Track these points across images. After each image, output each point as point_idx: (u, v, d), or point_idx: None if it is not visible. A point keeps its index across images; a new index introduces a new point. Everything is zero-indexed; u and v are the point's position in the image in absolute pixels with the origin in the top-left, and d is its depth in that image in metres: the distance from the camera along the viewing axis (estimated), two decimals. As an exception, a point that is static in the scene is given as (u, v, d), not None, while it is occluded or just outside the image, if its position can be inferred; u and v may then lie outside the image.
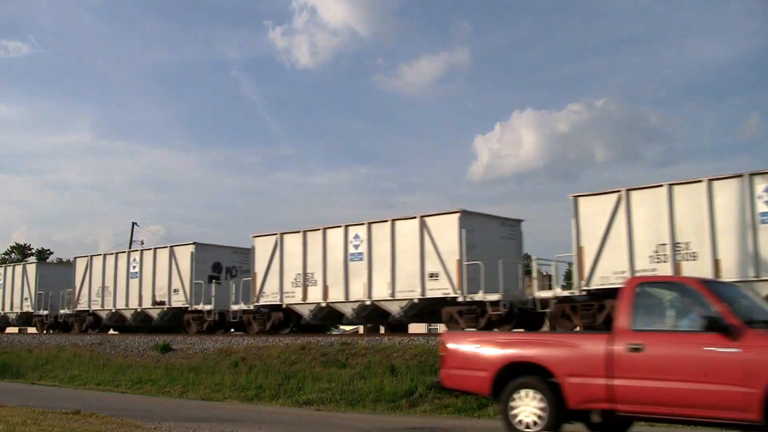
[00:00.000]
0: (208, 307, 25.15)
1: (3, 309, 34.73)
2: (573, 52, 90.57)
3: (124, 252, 29.39)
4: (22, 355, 27.12)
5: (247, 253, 26.56)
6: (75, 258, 31.60)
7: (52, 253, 61.25)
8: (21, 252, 61.58)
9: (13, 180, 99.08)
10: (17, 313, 33.95)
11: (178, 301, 26.41)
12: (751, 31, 76.41)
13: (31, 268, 33.90)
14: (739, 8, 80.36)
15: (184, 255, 26.29)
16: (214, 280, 25.82)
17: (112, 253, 29.56)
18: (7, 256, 60.72)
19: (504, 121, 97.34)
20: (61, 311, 31.20)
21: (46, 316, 31.97)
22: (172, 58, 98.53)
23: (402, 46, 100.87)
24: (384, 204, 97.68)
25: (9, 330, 37.46)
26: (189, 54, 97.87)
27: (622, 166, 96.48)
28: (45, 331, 32.18)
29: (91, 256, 30.32)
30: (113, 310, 28.83)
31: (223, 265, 26.97)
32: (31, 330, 36.30)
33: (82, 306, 30.25)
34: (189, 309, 26.01)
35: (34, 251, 61.87)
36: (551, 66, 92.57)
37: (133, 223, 50.38)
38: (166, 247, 27.15)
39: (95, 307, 29.71)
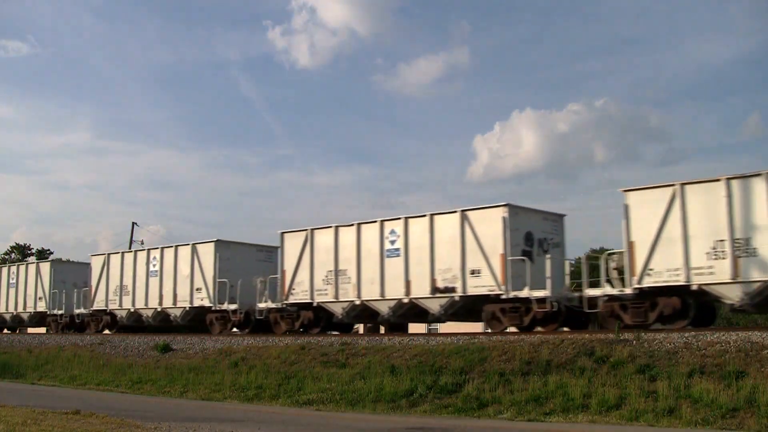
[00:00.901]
0: (539, 294, 18.06)
1: (161, 304, 27.37)
2: (573, 52, 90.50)
3: (374, 222, 21.56)
4: (22, 355, 27.13)
5: (559, 221, 20.85)
6: (282, 233, 23.96)
7: (52, 252, 61.03)
8: (21, 252, 61.46)
9: (13, 180, 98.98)
10: (185, 308, 26.60)
11: (480, 286, 19.19)
12: (751, 31, 76.36)
13: (207, 249, 26.17)
14: (739, 8, 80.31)
15: (491, 222, 19.25)
16: (545, 257, 18.98)
17: (350, 225, 22.10)
18: (7, 256, 60.62)
19: (504, 121, 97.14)
20: (260, 305, 24.13)
21: (234, 311, 25.02)
22: (172, 58, 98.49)
23: (401, 45, 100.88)
24: (384, 204, 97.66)
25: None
26: (189, 54, 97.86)
27: (621, 166, 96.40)
28: (222, 331, 25.66)
29: (312, 229, 23.08)
30: (356, 302, 21.57)
31: (535, 237, 19.95)
32: (155, 328, 28.63)
33: (299, 297, 23.06)
34: (501, 297, 18.88)
35: (34, 251, 61.78)
36: (551, 66, 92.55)
37: (133, 223, 50.19)
38: (454, 211, 19.91)
39: (321, 298, 22.46)
